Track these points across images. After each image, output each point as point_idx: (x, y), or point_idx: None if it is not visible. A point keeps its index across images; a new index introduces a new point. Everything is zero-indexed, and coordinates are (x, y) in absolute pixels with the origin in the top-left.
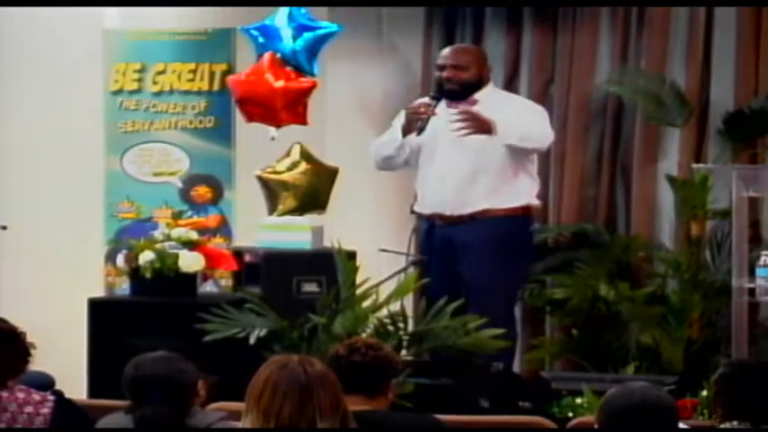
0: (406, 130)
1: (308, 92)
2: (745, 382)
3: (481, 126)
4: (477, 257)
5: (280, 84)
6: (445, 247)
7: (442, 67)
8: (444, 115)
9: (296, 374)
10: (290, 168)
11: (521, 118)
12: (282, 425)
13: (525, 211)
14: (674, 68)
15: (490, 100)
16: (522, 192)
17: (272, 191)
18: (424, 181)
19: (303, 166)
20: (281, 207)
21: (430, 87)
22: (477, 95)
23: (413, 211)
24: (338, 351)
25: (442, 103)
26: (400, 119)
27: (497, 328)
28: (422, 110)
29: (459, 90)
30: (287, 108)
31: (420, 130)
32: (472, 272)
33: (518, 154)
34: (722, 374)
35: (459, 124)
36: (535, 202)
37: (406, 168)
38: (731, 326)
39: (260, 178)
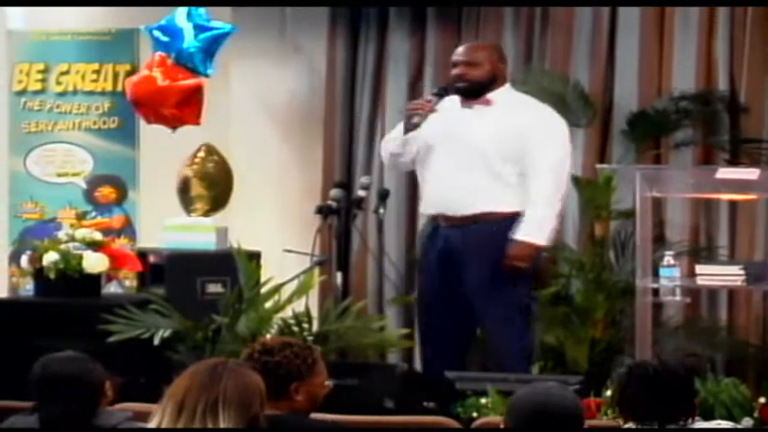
0: (407, 127)
1: (193, 91)
2: (646, 384)
3: (530, 258)
4: (483, 261)
5: (165, 83)
6: (446, 249)
7: (454, 64)
8: (456, 113)
9: (210, 362)
10: (202, 168)
11: (540, 183)
12: (181, 403)
13: (514, 213)
14: (578, 69)
15: (505, 100)
16: (522, 195)
17: (189, 191)
18: (427, 180)
19: (214, 165)
20: (198, 206)
21: (335, 87)
22: (491, 95)
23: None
24: (243, 356)
25: (455, 102)
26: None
27: (514, 332)
28: (419, 106)
29: (469, 88)
30: (176, 108)
31: (415, 126)
32: (480, 275)
33: (521, 160)
34: (624, 374)
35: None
36: None
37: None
38: (635, 326)
39: (183, 178)
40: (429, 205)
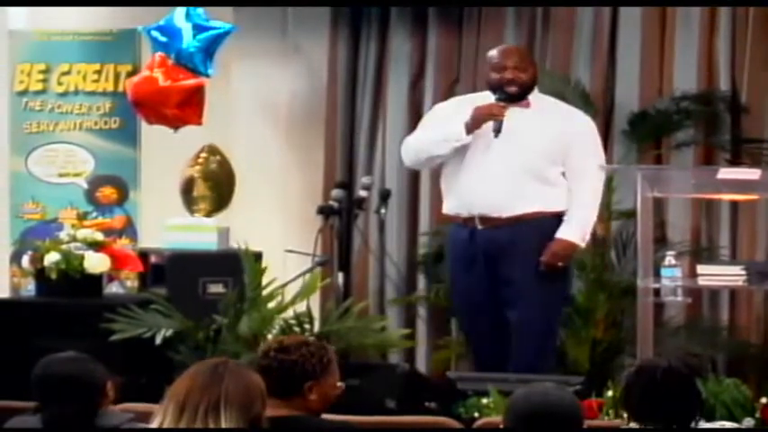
0: (472, 129)
1: (194, 91)
2: (655, 384)
3: (569, 257)
4: (528, 258)
5: (166, 84)
6: (490, 249)
7: (501, 68)
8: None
9: (211, 362)
10: (206, 168)
11: (581, 179)
12: (182, 403)
13: (559, 213)
14: (579, 68)
15: (539, 102)
16: (563, 195)
17: (192, 191)
18: (463, 181)
19: (217, 165)
20: (201, 206)
21: (336, 87)
22: (530, 98)
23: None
24: (259, 354)
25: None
26: (443, 117)
27: (552, 328)
28: (495, 111)
29: (519, 92)
30: (177, 108)
31: (497, 132)
32: (524, 273)
33: (562, 161)
34: (632, 373)
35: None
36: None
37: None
38: (636, 326)
39: (187, 179)
40: (465, 206)
